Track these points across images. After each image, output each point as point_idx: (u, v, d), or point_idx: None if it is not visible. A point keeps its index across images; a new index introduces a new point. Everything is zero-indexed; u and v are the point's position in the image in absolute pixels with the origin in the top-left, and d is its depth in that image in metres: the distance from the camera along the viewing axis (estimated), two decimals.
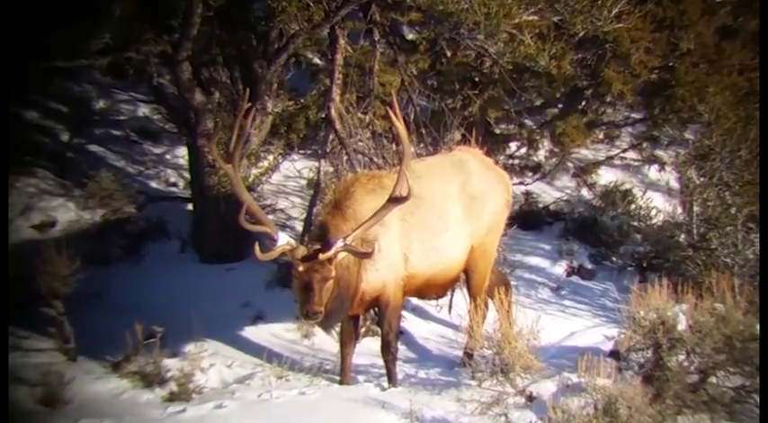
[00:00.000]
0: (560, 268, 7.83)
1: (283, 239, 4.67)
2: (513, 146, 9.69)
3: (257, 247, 4.60)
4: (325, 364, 5.61)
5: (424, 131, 7.18)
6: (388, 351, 5.19)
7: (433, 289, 5.60)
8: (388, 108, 4.87)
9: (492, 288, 5.58)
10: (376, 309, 5.50)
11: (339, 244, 4.62)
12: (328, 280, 4.62)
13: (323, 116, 7.00)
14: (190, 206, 7.66)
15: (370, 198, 4.99)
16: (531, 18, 6.29)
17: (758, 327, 4.56)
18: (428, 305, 6.71)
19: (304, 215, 7.10)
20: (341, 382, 5.25)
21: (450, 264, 5.45)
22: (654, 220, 8.27)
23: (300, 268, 4.59)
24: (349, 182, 5.21)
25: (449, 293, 6.19)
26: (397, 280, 5.14)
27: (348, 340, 5.28)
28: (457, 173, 5.54)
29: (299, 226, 7.27)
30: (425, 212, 5.23)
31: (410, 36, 8.31)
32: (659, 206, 8.59)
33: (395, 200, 4.74)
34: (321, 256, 4.57)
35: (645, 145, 10.23)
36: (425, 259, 5.26)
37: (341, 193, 5.09)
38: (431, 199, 5.25)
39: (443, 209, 5.36)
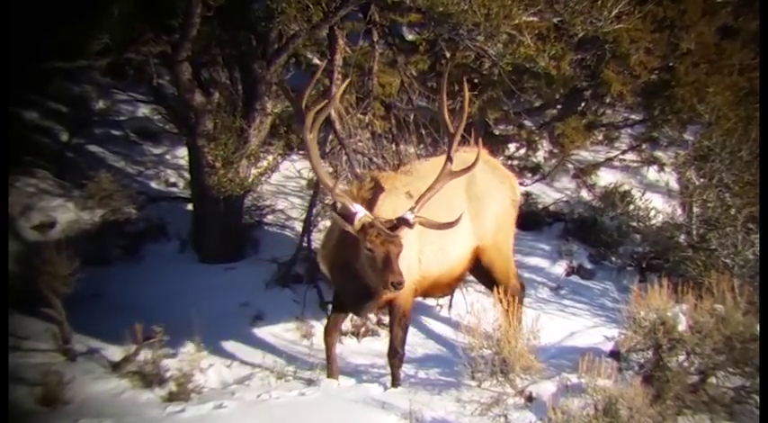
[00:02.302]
0: (560, 268, 7.82)
1: (362, 211, 4.73)
2: (512, 147, 9.69)
3: (354, 224, 4.68)
4: (325, 363, 5.60)
5: (423, 132, 7.17)
6: (395, 355, 5.19)
7: (439, 288, 5.63)
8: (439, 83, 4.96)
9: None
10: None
11: (410, 216, 4.72)
12: (401, 252, 4.68)
13: None
14: (190, 206, 7.64)
15: (390, 199, 5.09)
16: (530, 19, 6.27)
17: (758, 327, 4.56)
18: (428, 305, 6.71)
19: (304, 216, 7.09)
20: (328, 375, 5.27)
21: (454, 263, 5.48)
22: (653, 221, 8.27)
23: (386, 239, 4.64)
24: (368, 183, 5.21)
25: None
26: (410, 283, 5.09)
27: (333, 329, 5.35)
28: None
29: (299, 226, 7.26)
30: (433, 212, 5.23)
31: (409, 37, 8.30)
32: (659, 207, 8.58)
33: (454, 172, 4.92)
34: (412, 221, 4.71)
35: (644, 146, 10.22)
36: (434, 260, 5.29)
37: (365, 193, 5.09)
38: (437, 199, 5.23)
39: (450, 208, 5.34)
